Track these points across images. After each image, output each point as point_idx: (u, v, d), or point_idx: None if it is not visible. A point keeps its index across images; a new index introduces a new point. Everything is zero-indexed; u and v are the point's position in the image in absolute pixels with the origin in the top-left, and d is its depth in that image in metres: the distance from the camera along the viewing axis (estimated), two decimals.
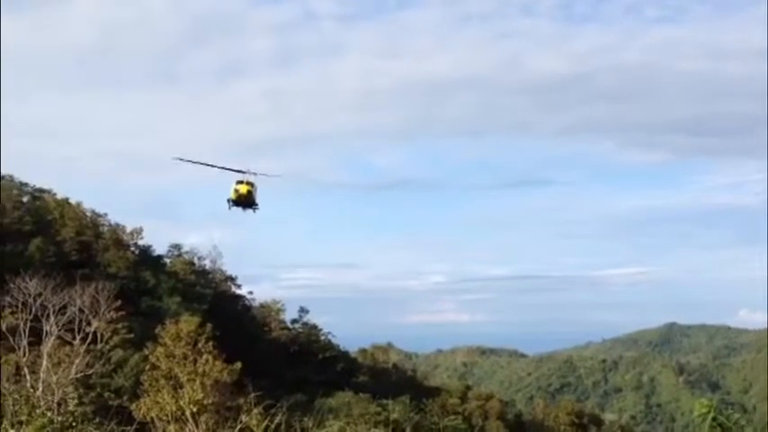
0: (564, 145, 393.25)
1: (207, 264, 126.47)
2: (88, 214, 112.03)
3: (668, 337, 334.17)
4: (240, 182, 48.03)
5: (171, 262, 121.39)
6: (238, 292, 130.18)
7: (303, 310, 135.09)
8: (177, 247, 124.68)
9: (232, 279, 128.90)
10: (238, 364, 64.90)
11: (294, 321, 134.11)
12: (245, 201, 48.01)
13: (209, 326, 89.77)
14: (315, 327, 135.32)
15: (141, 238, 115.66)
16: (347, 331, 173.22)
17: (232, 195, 48.15)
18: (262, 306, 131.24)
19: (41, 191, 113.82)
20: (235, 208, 49.71)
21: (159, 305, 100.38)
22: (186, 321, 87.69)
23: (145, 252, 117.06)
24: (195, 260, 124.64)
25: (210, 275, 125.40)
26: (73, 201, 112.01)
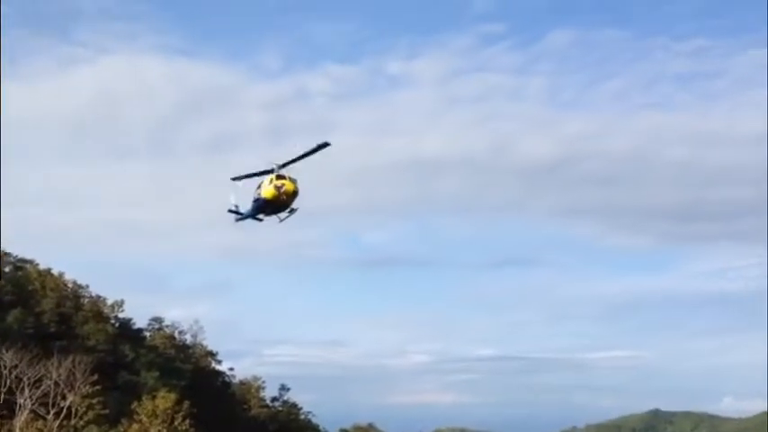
0: (553, 226, 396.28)
1: (188, 338, 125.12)
2: (69, 285, 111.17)
3: (652, 424, 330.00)
4: (281, 177, 38.98)
5: (151, 335, 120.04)
6: (219, 367, 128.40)
7: (284, 388, 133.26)
8: (158, 320, 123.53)
9: (213, 354, 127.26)
10: None
11: (274, 399, 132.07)
12: (286, 202, 39.09)
13: (186, 402, 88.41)
14: (295, 405, 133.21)
15: (122, 310, 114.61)
16: (329, 410, 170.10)
17: (267, 194, 39.05)
18: (242, 383, 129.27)
19: (24, 261, 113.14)
20: (244, 217, 40.99)
21: (137, 380, 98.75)
22: (163, 397, 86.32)
23: (125, 325, 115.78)
24: (176, 334, 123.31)
25: (191, 350, 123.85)
26: (55, 271, 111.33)
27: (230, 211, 42.58)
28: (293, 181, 38.95)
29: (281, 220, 40.64)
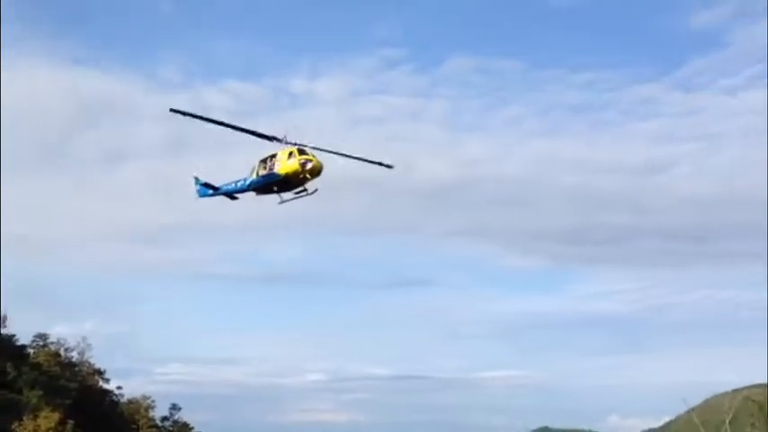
0: (451, 247, 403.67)
1: (74, 356, 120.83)
2: None
3: None
4: (303, 152, 35.57)
5: (35, 352, 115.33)
6: (106, 386, 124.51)
7: (175, 408, 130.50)
8: (43, 336, 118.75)
9: (100, 372, 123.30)
10: None
11: (164, 419, 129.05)
12: (302, 181, 35.64)
13: (71, 422, 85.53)
14: (186, 425, 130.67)
15: (5, 326, 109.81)
16: (223, 430, 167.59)
17: (288, 169, 35.45)
18: (130, 402, 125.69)
19: None
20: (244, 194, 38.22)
21: (18, 399, 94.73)
22: (46, 417, 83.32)
23: (7, 341, 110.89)
24: (62, 351, 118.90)
25: (77, 368, 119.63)
26: None
27: (204, 184, 39.94)
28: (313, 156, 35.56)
29: (283, 201, 36.87)
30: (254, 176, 37.25)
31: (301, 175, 35.47)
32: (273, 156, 36.47)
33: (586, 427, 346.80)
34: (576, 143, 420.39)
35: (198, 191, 41.07)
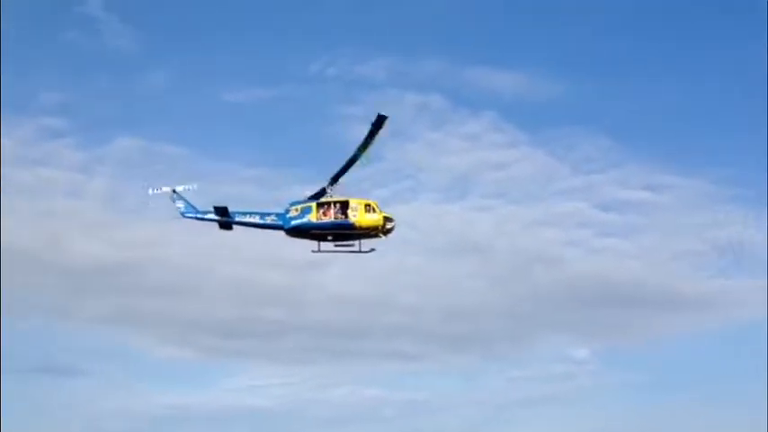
0: (100, 335, 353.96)
1: None
2: None
3: None
4: (373, 208, 35.43)
5: None
6: None
7: None
8: None
9: None
10: None
11: None
12: (366, 234, 35.20)
13: None
14: None
15: None
16: None
17: (372, 222, 35.11)
18: None
19: None
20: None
21: None
22: None
23: None
24: None
25: None
26: None
27: (219, 209, 35.69)
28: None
29: (320, 251, 35.50)
30: (310, 218, 35.15)
31: (373, 231, 34.98)
32: (340, 203, 35.42)
33: None
34: (244, 234, 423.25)
35: (181, 208, 36.66)
